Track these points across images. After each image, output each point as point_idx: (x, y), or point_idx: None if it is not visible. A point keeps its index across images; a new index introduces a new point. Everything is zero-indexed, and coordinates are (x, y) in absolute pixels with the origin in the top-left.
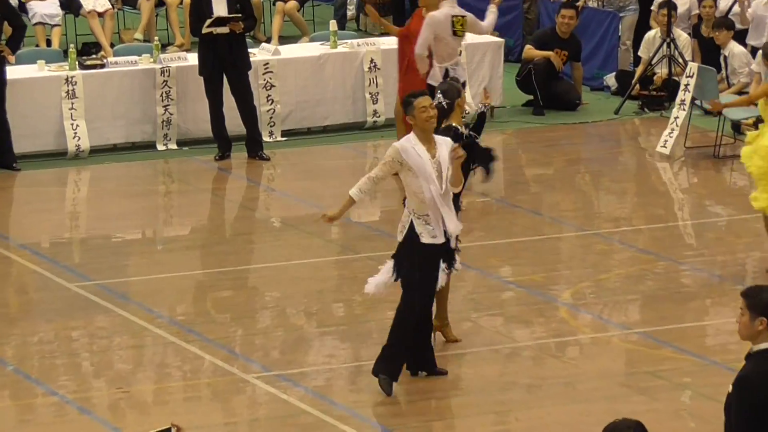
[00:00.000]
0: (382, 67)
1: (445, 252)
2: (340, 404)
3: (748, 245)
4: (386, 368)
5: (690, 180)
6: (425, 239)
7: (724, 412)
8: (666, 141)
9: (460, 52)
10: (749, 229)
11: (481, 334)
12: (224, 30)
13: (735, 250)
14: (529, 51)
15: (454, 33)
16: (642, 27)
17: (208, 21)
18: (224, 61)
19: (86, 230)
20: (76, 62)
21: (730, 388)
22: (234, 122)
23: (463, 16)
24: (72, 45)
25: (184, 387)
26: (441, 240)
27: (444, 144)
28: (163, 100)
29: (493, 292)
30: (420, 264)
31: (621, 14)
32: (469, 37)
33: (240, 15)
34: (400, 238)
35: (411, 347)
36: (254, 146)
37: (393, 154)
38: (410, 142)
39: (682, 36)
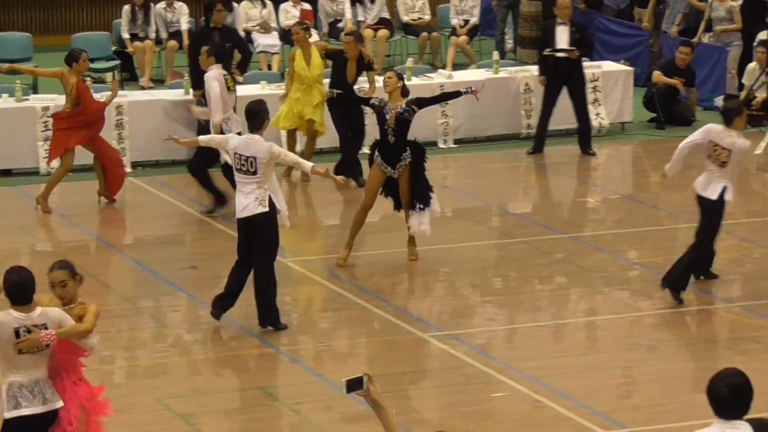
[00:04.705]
0: (534, 89)
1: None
2: (497, 359)
3: None
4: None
5: None
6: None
7: None
8: (761, 145)
9: (234, 108)
10: None
11: (611, 305)
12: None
13: None
14: (659, 76)
15: (228, 89)
16: (745, 59)
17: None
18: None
19: (295, 216)
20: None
21: None
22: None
23: (230, 74)
24: (287, 69)
25: (374, 343)
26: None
27: None
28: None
29: (621, 271)
30: None
31: (728, 49)
32: (605, 66)
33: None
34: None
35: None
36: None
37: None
38: None
39: None
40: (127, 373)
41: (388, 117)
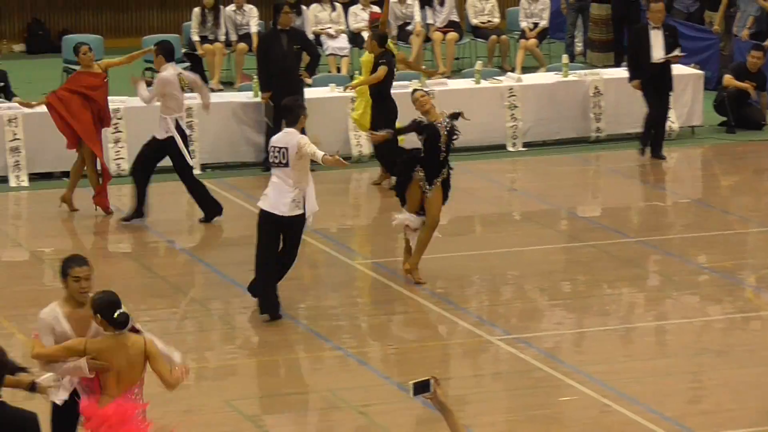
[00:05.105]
0: (604, 93)
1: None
2: (566, 363)
3: None
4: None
5: None
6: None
7: None
8: None
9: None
10: None
11: (680, 309)
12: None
13: None
14: (729, 80)
15: (182, 89)
16: None
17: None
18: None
19: (365, 219)
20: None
21: None
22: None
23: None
24: (357, 72)
25: (441, 345)
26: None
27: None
28: None
29: (691, 275)
30: None
31: None
32: (676, 69)
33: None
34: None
35: None
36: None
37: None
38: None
39: None
40: (195, 374)
41: (441, 135)
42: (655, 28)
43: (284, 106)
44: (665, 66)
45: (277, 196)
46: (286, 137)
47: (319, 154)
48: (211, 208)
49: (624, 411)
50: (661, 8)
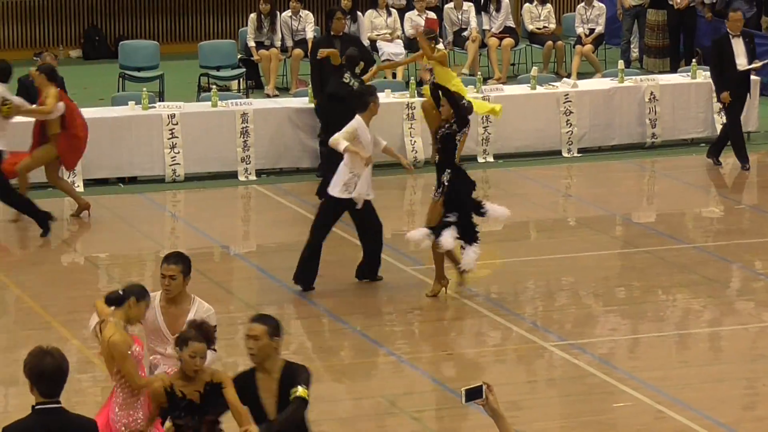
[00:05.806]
0: (660, 99)
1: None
2: (620, 369)
3: None
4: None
5: None
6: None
7: None
8: None
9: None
10: None
11: (734, 315)
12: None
13: None
14: None
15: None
16: None
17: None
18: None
19: (420, 225)
20: (415, 91)
21: None
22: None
23: (9, 100)
24: (412, 78)
25: (495, 351)
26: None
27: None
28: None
29: (746, 281)
30: None
31: None
32: None
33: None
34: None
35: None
36: None
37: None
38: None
39: None
40: None
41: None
42: (735, 36)
43: (355, 93)
44: (747, 74)
45: (336, 178)
46: (349, 120)
47: (342, 145)
48: (42, 222)
49: (678, 417)
50: (739, 17)
